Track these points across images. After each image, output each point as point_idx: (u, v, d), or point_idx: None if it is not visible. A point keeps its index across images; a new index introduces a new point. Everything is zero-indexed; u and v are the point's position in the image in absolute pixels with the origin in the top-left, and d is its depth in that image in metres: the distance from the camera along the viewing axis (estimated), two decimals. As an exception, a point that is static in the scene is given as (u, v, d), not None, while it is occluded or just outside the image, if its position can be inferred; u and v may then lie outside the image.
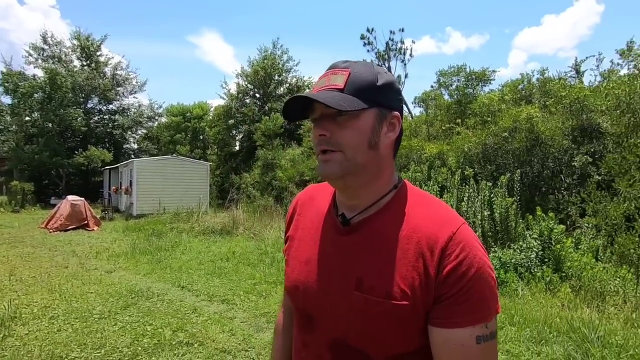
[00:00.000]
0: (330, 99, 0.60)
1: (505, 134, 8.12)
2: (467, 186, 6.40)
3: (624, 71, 12.05)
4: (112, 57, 24.71)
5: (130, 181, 14.57)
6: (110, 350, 3.10)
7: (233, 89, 20.98)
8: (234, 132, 20.54)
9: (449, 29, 48.68)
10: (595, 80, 13.38)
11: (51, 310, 4.02)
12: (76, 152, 22.17)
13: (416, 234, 0.64)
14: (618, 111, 7.78)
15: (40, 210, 16.94)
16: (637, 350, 3.04)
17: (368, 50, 30.08)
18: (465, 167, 7.43)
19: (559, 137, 7.84)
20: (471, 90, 12.17)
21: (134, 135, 25.60)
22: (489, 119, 9.13)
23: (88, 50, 23.64)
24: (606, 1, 46.64)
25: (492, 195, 6.05)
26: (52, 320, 3.73)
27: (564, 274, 4.80)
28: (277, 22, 58.80)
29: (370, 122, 0.64)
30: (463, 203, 6.23)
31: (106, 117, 24.42)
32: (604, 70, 13.42)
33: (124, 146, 24.72)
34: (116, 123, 23.85)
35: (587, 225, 6.10)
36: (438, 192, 6.24)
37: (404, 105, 0.56)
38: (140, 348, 3.16)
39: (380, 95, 0.65)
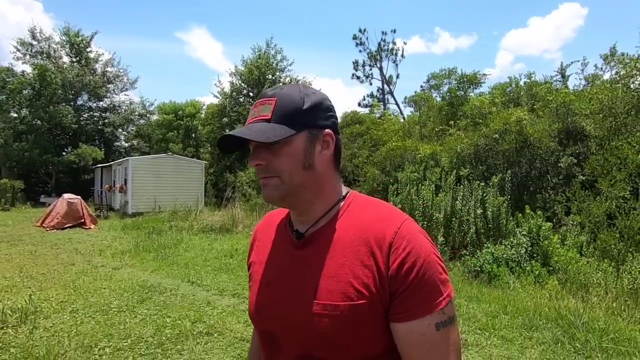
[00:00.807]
0: (257, 133, 0.64)
1: (496, 135, 8.51)
2: (461, 186, 6.73)
3: (607, 75, 12.62)
4: (103, 54, 24.46)
5: (125, 179, 14.56)
6: (136, 340, 3.30)
7: (227, 88, 21.06)
8: (227, 130, 20.58)
9: (437, 29, 49.47)
10: (580, 84, 13.99)
11: (69, 304, 4.18)
12: (65, 149, 21.91)
13: (365, 234, 0.66)
14: (601, 115, 8.25)
15: (30, 208, 16.77)
16: (617, 334, 3.39)
17: (360, 51, 30.38)
18: (460, 168, 7.78)
19: (546, 139, 8.27)
20: (462, 93, 12.58)
21: (124, 133, 25.41)
22: (480, 121, 9.51)
23: (78, 47, 23.33)
24: (590, 5, 47.97)
25: (484, 195, 6.40)
26: (73, 314, 3.89)
27: (551, 268, 5.17)
28: (268, 20, 58.61)
29: (301, 146, 0.67)
30: (457, 202, 6.56)
31: (96, 114, 24.19)
32: (588, 75, 14.03)
33: (115, 144, 24.50)
34: (107, 121, 23.66)
35: (572, 222, 6.51)
36: (434, 192, 6.55)
37: (337, 121, 0.74)
38: (164, 338, 3.36)
39: (309, 118, 0.68)
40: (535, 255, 5.49)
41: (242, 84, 20.25)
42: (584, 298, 4.34)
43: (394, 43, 27.21)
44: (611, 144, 7.55)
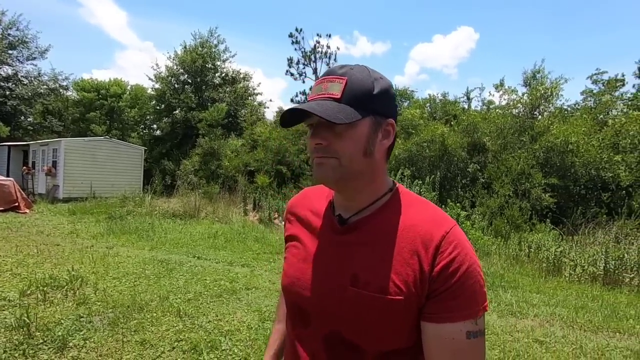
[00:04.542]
0: (329, 111, 0.62)
1: (425, 144, 10.75)
2: (403, 183, 8.65)
3: (497, 101, 16.15)
4: (4, 13, 21.07)
5: (54, 162, 13.46)
6: (196, 294, 4.19)
7: (163, 71, 20.27)
8: (163, 115, 19.91)
9: (356, 32, 53.17)
10: (478, 105, 17.58)
11: (105, 274, 4.71)
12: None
13: (411, 232, 0.66)
14: (495, 134, 11.10)
15: None
16: (508, 278, 5.48)
17: (295, 49, 31.66)
18: (399, 168, 9.76)
19: (459, 149, 10.78)
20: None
21: (30, 108, 22.30)
22: (412, 131, 11.75)
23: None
24: (480, 32, 56.96)
25: (421, 191, 8.41)
26: (119, 280, 4.49)
27: (466, 243, 7.33)
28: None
29: (365, 131, 0.66)
30: (401, 195, 8.45)
31: (-7, 83, 20.80)
32: (484, 99, 17.69)
33: (18, 120, 21.40)
34: (8, 93, 20.56)
35: (477, 212, 8.95)
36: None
37: (397, 111, 0.76)
38: (218, 292, 4.31)
39: (376, 104, 0.66)
40: (455, 234, 7.63)
41: (182, 70, 19.78)
42: (488, 261, 6.51)
43: (328, 47, 29.24)
44: (501, 157, 10.36)
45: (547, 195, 8.87)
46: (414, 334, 0.66)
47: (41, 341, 2.89)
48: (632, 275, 5.53)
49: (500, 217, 8.38)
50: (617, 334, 3.80)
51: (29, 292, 3.87)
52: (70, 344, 2.87)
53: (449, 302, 0.62)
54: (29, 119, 22.23)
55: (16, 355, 2.69)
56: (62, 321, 3.23)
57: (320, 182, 0.70)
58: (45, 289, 3.90)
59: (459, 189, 10.51)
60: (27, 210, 10.35)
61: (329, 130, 0.66)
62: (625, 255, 5.83)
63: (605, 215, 8.26)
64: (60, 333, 2.95)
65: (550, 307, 4.43)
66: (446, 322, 0.62)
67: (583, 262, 6.00)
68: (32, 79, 21.95)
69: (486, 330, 3.62)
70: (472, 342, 0.62)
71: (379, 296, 0.64)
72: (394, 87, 0.74)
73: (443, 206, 8.54)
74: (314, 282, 0.72)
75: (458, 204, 8.17)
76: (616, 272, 5.58)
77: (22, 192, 10.70)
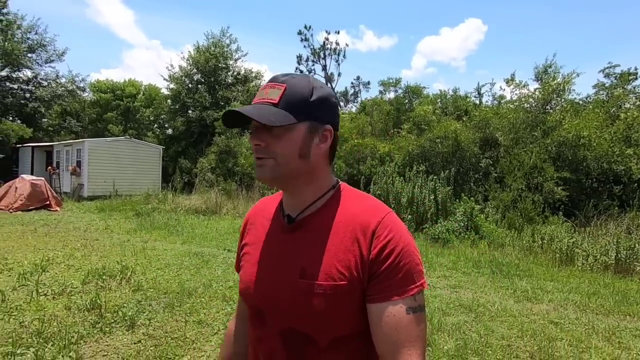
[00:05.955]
0: (264, 113, 0.68)
1: (438, 140, 10.99)
2: (417, 178, 8.94)
3: (508, 95, 16.26)
4: (23, 18, 21.71)
5: (78, 161, 14.03)
6: (236, 282, 4.56)
7: (177, 71, 20.72)
8: (179, 115, 20.41)
9: (362, 27, 53.04)
10: (489, 100, 17.69)
11: (148, 265, 5.13)
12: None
13: (351, 222, 0.73)
14: (507, 129, 11.28)
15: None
16: (522, 267, 5.77)
17: (305, 46, 31.93)
18: (412, 164, 10.04)
19: (471, 145, 11.01)
20: (407, 101, 15.15)
21: (49, 110, 23.00)
22: (425, 127, 11.99)
23: (-10, 6, 20.40)
24: (489, 24, 56.34)
25: (435, 185, 8.69)
26: (162, 270, 4.91)
27: (481, 236, 7.62)
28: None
29: (301, 135, 0.71)
30: (416, 190, 8.75)
31: (14, 86, 21.50)
32: (495, 93, 17.80)
33: (41, 121, 22.13)
34: (29, 95, 21.26)
35: (490, 206, 9.20)
36: (403, 182, 8.63)
37: (338, 119, 0.80)
38: (254, 280, 4.69)
39: (313, 110, 0.71)
40: (469, 227, 7.91)
41: (195, 70, 20.21)
42: (502, 251, 6.80)
43: (337, 43, 29.40)
44: (514, 151, 10.56)
45: (559, 188, 9.08)
46: (360, 320, 0.70)
47: (112, 320, 3.30)
48: (643, 264, 5.77)
49: (513, 210, 8.63)
50: (628, 317, 4.08)
51: (87, 280, 4.30)
52: (138, 323, 3.28)
53: (387, 281, 0.67)
54: (44, 120, 22.90)
55: (94, 332, 3.10)
56: (125, 305, 3.65)
57: (259, 180, 0.77)
58: (103, 277, 4.33)
59: (472, 184, 10.75)
60: (58, 208, 10.91)
61: (267, 132, 0.70)
62: (637, 245, 6.06)
63: (617, 208, 8.45)
64: (129, 314, 3.36)
65: (564, 294, 4.72)
66: (386, 301, 0.67)
67: (595, 252, 6.25)
68: (51, 81, 22.65)
69: (504, 313, 3.95)
70: (412, 317, 0.66)
71: (324, 284, 0.69)
72: (336, 96, 0.88)
73: (457, 200, 8.81)
74: (266, 281, 0.76)
75: (472, 198, 8.43)
76: (627, 261, 5.83)
77: (52, 191, 11.26)
